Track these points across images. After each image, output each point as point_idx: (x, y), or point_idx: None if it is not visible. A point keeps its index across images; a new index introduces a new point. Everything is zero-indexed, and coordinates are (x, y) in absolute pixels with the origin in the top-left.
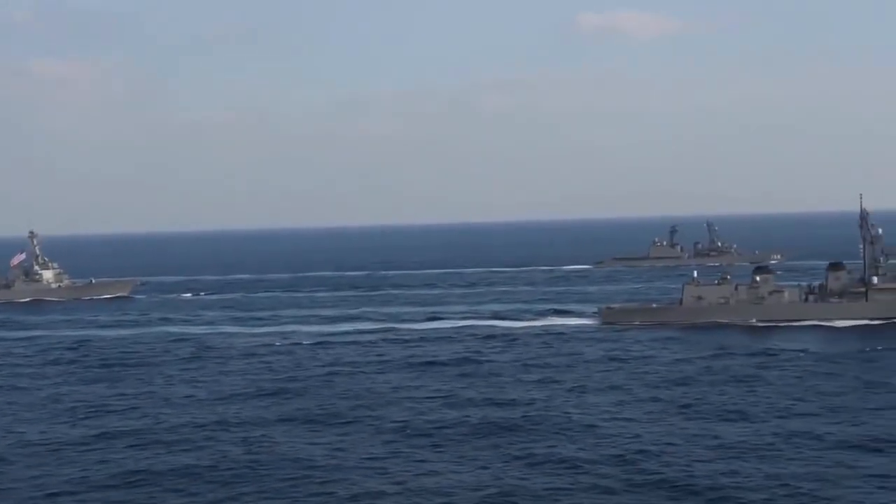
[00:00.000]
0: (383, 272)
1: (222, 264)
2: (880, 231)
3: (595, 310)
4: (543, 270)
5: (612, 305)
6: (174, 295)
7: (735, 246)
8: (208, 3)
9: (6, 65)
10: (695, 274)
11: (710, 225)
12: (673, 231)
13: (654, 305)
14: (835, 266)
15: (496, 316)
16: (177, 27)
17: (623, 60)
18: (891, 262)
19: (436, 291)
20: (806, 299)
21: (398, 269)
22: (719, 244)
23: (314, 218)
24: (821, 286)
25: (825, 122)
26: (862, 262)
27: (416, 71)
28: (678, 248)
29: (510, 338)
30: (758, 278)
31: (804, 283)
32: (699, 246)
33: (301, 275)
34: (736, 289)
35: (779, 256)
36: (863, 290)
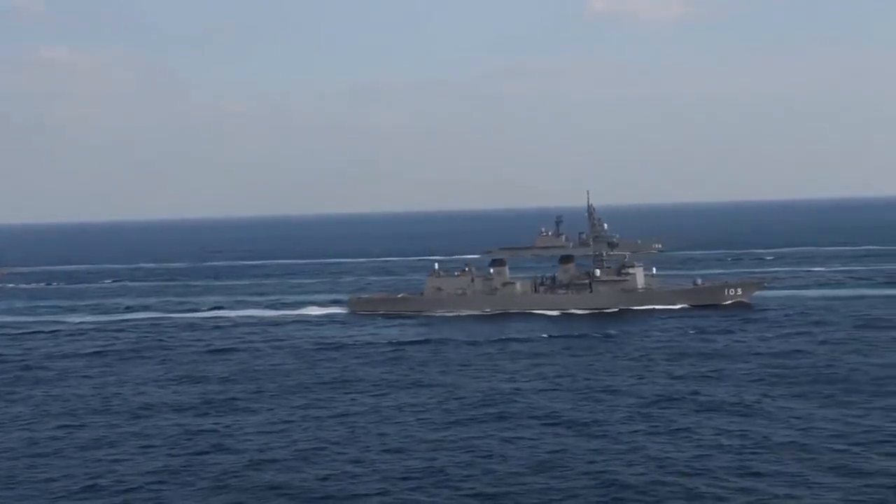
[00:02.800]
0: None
1: (162, 254)
2: (606, 226)
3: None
4: (433, 260)
5: (361, 295)
6: (48, 285)
7: (617, 235)
8: None
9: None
10: (436, 266)
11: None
12: (559, 221)
13: (400, 296)
14: (564, 259)
15: (272, 305)
16: (186, 17)
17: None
18: (615, 254)
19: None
20: (536, 290)
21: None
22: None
23: (328, 205)
24: (552, 278)
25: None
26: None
27: (427, 60)
28: (563, 237)
29: (255, 326)
30: (492, 270)
31: (538, 276)
32: (583, 235)
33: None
34: (472, 280)
35: (658, 245)
36: (587, 281)
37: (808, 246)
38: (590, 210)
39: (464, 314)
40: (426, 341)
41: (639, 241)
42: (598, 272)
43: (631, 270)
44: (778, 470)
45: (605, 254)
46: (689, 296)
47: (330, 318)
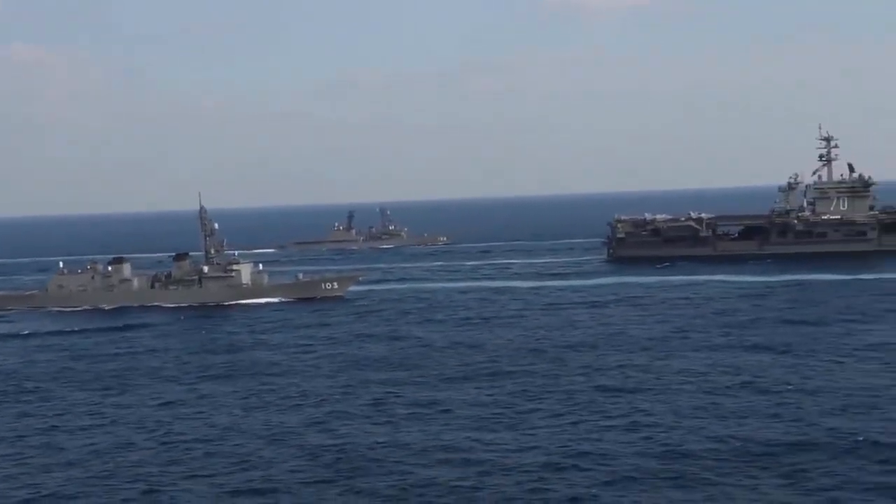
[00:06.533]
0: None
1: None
2: (217, 226)
3: None
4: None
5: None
6: None
7: (406, 229)
8: None
9: None
10: (60, 264)
11: (382, 210)
12: (350, 216)
13: (28, 293)
14: (179, 256)
15: None
16: (155, 14)
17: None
18: (225, 253)
19: None
20: (153, 286)
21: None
22: (391, 228)
23: (295, 197)
24: (168, 274)
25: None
26: (203, 253)
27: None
28: (353, 232)
29: None
30: (110, 268)
31: (157, 272)
32: (373, 230)
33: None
34: (93, 278)
35: (444, 238)
36: (196, 277)
37: (566, 239)
38: (381, 209)
39: (87, 309)
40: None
41: (425, 235)
42: (206, 269)
43: (236, 267)
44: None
45: (212, 251)
46: (291, 290)
47: None
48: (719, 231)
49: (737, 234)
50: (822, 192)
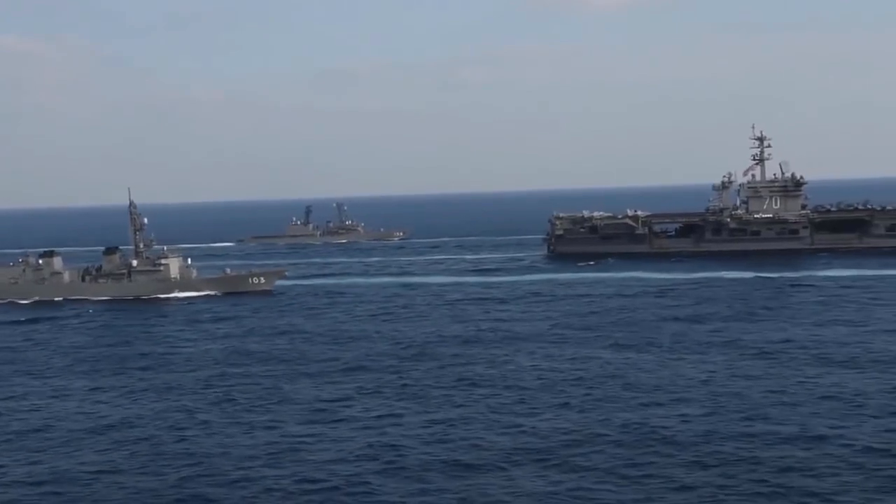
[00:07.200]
0: None
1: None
2: (146, 220)
3: None
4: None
5: None
6: None
7: (362, 224)
8: None
9: None
10: None
11: (339, 205)
12: (308, 211)
13: None
14: (109, 250)
15: None
16: (147, 4)
17: None
18: (155, 248)
19: None
20: (83, 279)
21: None
22: (348, 223)
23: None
24: (99, 267)
25: None
26: (133, 247)
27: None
28: (310, 227)
29: None
30: (41, 261)
31: (89, 265)
32: (330, 225)
33: None
34: (24, 271)
35: (401, 234)
36: (125, 271)
37: (518, 235)
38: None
39: (19, 302)
40: None
41: (382, 230)
42: (135, 263)
43: (165, 261)
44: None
45: (142, 245)
46: (219, 284)
47: None
48: (657, 229)
49: (674, 232)
50: (754, 191)
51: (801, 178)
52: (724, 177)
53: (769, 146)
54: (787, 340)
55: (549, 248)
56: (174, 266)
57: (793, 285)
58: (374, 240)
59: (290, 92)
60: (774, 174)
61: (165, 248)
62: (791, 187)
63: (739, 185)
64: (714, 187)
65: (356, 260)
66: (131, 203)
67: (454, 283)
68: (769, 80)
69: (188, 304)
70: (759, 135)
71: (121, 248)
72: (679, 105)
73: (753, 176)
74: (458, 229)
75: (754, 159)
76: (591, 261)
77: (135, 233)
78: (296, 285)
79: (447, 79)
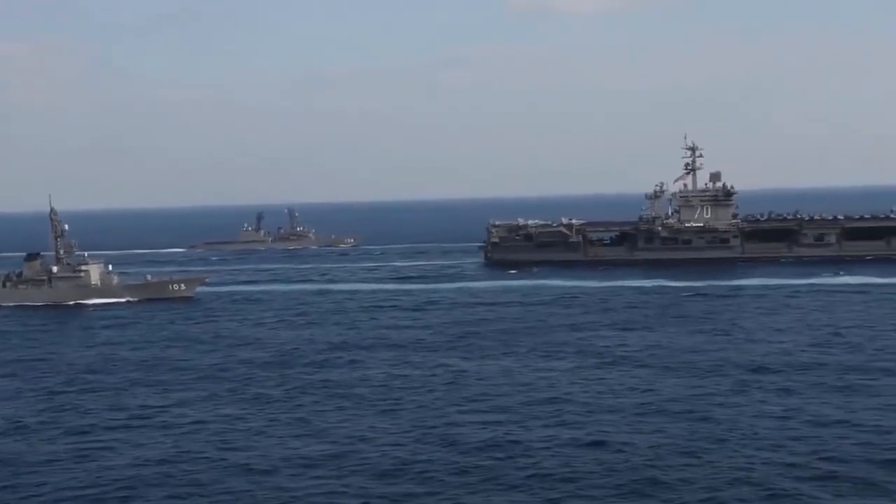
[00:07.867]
0: None
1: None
2: (67, 227)
3: None
4: (136, 254)
5: None
6: None
7: (314, 231)
8: None
9: None
10: None
11: (290, 211)
12: (260, 217)
13: None
14: (30, 256)
15: None
16: (123, 5)
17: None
18: (76, 254)
19: None
20: (4, 285)
21: None
22: (299, 229)
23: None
24: (20, 273)
25: None
26: (53, 253)
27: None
28: (262, 233)
29: None
30: None
31: (10, 271)
32: (281, 231)
33: None
34: None
35: (352, 240)
36: (46, 277)
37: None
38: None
39: None
40: None
41: (333, 237)
42: (55, 269)
43: (85, 268)
44: None
45: (62, 251)
46: (139, 290)
47: None
48: (594, 237)
49: (609, 241)
50: (686, 200)
51: (732, 187)
52: (657, 186)
53: (700, 156)
54: (650, 347)
55: (485, 255)
56: (94, 272)
57: (691, 294)
58: (325, 246)
59: (263, 94)
60: (706, 183)
61: (87, 254)
62: (721, 197)
63: (672, 194)
64: (647, 196)
65: (291, 266)
66: (52, 209)
67: (369, 290)
68: (717, 87)
69: (104, 310)
70: (691, 144)
71: (42, 254)
72: (620, 115)
73: (685, 185)
74: (411, 236)
75: (686, 168)
76: (526, 268)
77: (55, 239)
78: (217, 292)
79: (425, 82)
